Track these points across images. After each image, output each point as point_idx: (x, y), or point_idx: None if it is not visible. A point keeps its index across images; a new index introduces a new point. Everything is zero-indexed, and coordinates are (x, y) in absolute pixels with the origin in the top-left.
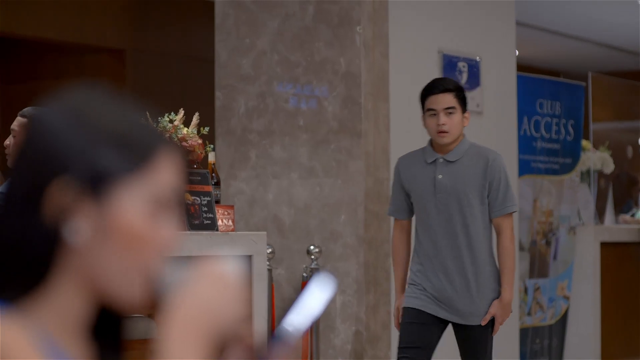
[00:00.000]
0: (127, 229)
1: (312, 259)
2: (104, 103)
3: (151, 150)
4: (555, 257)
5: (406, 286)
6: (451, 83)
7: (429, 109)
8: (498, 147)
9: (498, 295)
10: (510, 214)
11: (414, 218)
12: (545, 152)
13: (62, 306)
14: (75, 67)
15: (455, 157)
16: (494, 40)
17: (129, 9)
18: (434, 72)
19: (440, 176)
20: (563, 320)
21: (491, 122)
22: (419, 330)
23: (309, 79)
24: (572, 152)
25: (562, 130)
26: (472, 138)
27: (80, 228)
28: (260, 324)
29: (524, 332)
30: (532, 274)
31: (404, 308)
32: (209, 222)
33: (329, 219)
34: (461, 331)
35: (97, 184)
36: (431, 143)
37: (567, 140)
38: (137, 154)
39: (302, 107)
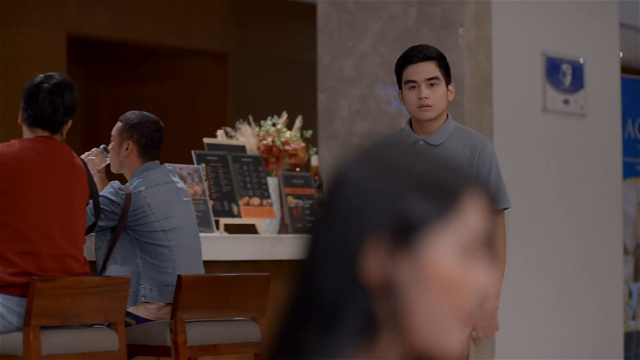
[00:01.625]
0: (442, 274)
1: None
2: (406, 149)
3: (459, 193)
4: None
5: None
6: (433, 50)
7: (409, 81)
8: (602, 150)
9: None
10: (503, 211)
11: None
12: None
13: None
14: (178, 70)
15: (438, 140)
16: (597, 42)
17: (231, 13)
18: (538, 74)
19: None
20: None
21: (595, 125)
22: None
23: None
24: None
25: None
26: (575, 141)
27: (398, 279)
28: None
29: (629, 337)
30: (636, 278)
31: None
32: None
33: None
34: None
35: (411, 232)
36: (410, 123)
37: None
38: (446, 198)
39: (405, 110)
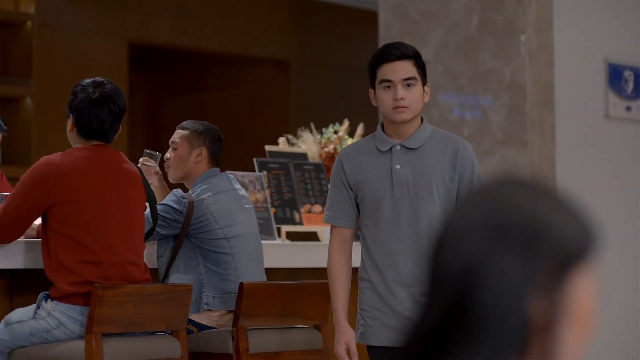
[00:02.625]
0: (584, 314)
1: None
2: (546, 195)
3: (592, 239)
4: None
5: (357, 315)
6: (410, 48)
7: (384, 80)
8: None
9: None
10: None
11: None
12: None
13: None
14: (239, 78)
15: (416, 144)
16: None
17: (292, 20)
18: (600, 81)
19: (398, 166)
20: None
21: None
22: None
23: (474, 89)
24: None
25: None
26: (638, 147)
27: (555, 313)
28: None
29: None
30: None
31: (371, 347)
32: None
33: None
34: None
35: (562, 272)
36: (382, 128)
37: None
38: (586, 243)
39: (467, 117)
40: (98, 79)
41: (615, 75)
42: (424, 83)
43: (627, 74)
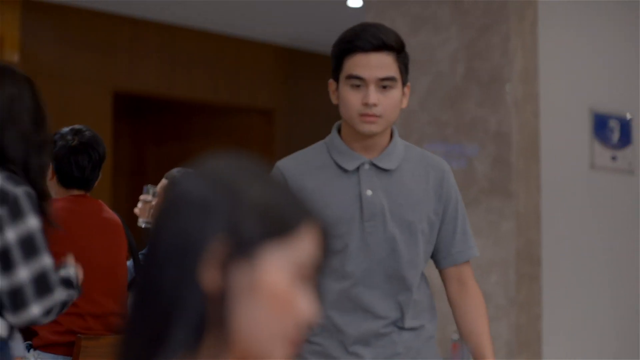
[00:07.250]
0: (271, 288)
1: None
2: (253, 172)
3: (296, 220)
4: None
5: None
6: (392, 36)
7: (352, 76)
8: None
9: None
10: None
11: None
12: None
13: None
14: (225, 127)
15: (391, 164)
16: None
17: (279, 69)
18: (585, 130)
19: (369, 192)
20: None
21: None
22: None
23: (459, 138)
24: None
25: None
26: (624, 197)
27: (231, 286)
28: None
29: None
30: None
31: None
32: None
33: (480, 280)
34: None
35: (245, 245)
36: (339, 134)
37: None
38: (283, 221)
39: (453, 167)
40: (76, 126)
41: (600, 124)
42: (404, 83)
43: (613, 123)
